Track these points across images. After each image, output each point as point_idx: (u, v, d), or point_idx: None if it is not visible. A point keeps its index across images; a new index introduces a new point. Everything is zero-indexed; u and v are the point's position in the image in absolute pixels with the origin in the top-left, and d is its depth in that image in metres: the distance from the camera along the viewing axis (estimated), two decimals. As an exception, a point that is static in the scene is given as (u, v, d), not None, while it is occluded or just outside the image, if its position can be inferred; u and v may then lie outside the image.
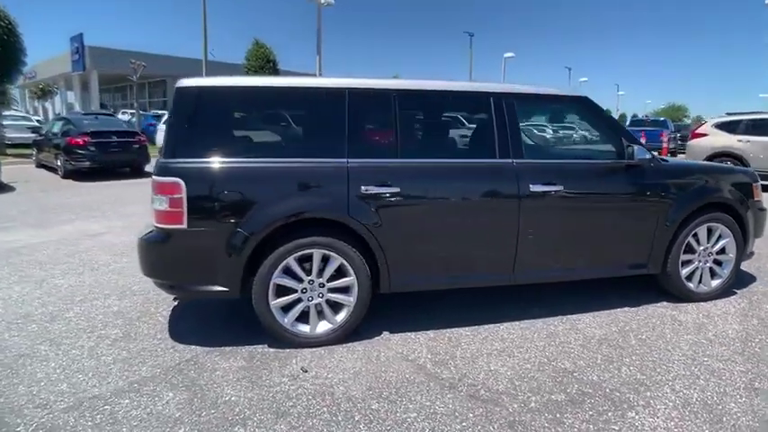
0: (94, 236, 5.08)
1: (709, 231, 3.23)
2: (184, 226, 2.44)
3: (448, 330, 2.86)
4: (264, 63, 19.67)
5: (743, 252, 3.34)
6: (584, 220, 2.96)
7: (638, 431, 1.93)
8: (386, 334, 2.81)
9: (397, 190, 2.60)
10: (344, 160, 2.59)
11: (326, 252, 2.57)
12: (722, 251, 3.30)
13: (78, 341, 2.70)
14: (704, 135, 10.42)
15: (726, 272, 3.33)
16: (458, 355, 2.57)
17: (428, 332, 2.83)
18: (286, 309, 2.61)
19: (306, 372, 2.39)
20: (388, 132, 2.72)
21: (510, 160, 2.78)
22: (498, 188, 2.77)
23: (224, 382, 2.29)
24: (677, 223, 3.07)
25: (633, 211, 3.05)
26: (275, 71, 20.10)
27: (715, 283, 3.32)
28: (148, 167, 10.77)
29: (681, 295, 3.28)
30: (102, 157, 9.06)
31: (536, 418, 2.02)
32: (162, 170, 2.46)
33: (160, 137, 13.56)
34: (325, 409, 2.08)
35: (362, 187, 2.57)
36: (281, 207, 2.50)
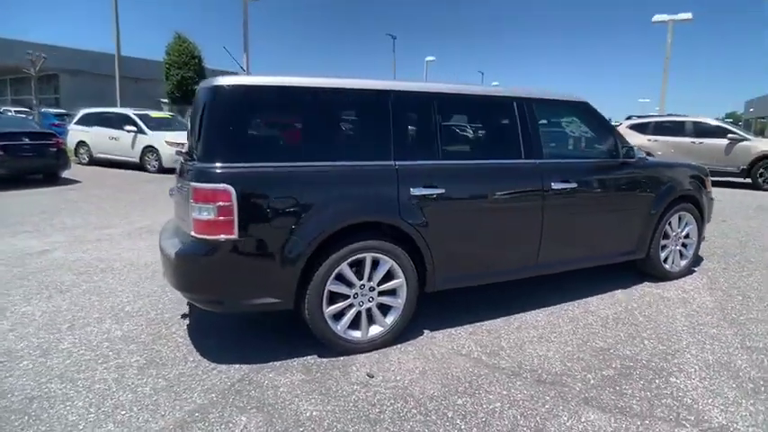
0: (40, 253, 4.40)
1: (679, 219, 3.79)
2: (235, 236, 2.27)
3: (482, 324, 3.01)
4: (189, 59, 18.29)
5: (701, 236, 3.97)
6: (590, 213, 3.30)
7: (685, 392, 2.25)
8: (427, 332, 2.88)
9: (442, 191, 2.68)
10: (392, 162, 2.60)
11: (377, 255, 2.57)
12: (687, 236, 3.88)
13: (95, 374, 2.37)
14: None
15: (690, 253, 3.93)
16: (504, 346, 2.73)
17: (465, 327, 2.96)
18: (337, 316, 2.56)
19: (372, 377, 2.37)
20: (429, 134, 2.79)
21: (534, 161, 3.01)
22: (526, 186, 2.98)
23: (294, 397, 2.19)
24: (660, 213, 3.55)
25: (628, 203, 3.47)
26: (200, 68, 18.82)
27: (683, 263, 3.91)
28: (67, 173, 9.53)
29: (659, 275, 3.80)
30: (12, 164, 7.75)
31: (601, 392, 2.25)
32: (205, 176, 2.27)
33: (72, 139, 11.98)
34: (414, 410, 2.09)
35: (411, 189, 2.60)
36: (338, 212, 2.44)
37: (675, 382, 2.34)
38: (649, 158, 3.77)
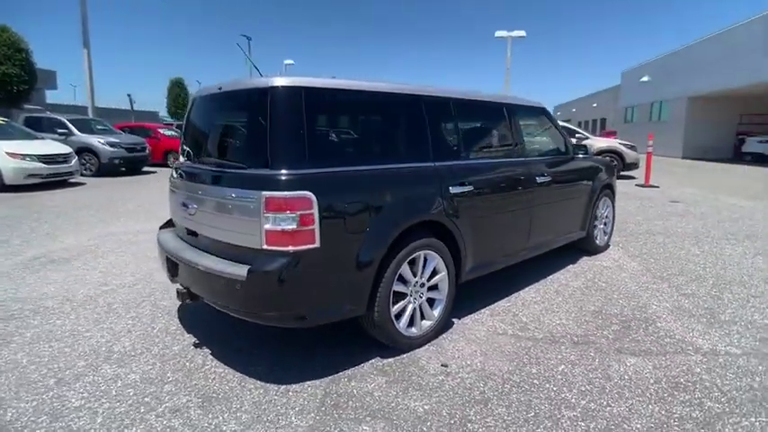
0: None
1: (603, 203, 4.76)
2: (317, 245, 2.19)
3: (494, 306, 3.38)
4: (12, 52, 14.76)
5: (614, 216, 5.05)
6: (560, 200, 3.96)
7: (672, 332, 2.95)
8: (456, 320, 3.12)
9: (471, 188, 2.96)
10: (432, 163, 2.78)
11: (429, 252, 2.72)
12: (607, 216, 4.90)
13: (151, 425, 2.01)
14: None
15: (609, 230, 4.97)
16: (525, 321, 3.14)
17: (483, 311, 3.29)
18: (398, 315, 2.63)
19: (446, 366, 2.53)
20: (453, 136, 3.04)
21: (526, 158, 3.51)
22: (523, 180, 3.46)
23: (395, 398, 2.22)
24: (595, 198, 4.44)
25: (580, 191, 4.25)
26: (28, 64, 15.35)
27: (605, 238, 4.91)
28: None
29: (592, 250, 4.71)
30: None
31: (623, 343, 2.81)
32: (282, 183, 2.13)
33: None
34: (507, 385, 2.33)
35: (450, 188, 2.82)
36: (403, 212, 2.52)
37: (661, 326, 3.05)
38: (583, 154, 4.65)
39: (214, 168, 2.44)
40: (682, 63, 23.84)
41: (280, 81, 2.25)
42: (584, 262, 4.52)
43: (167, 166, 14.69)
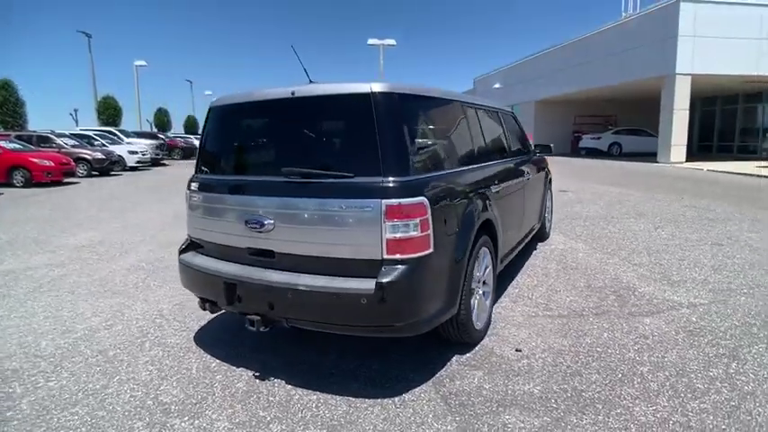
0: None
1: (549, 194, 5.54)
2: (431, 250, 2.21)
3: (510, 293, 3.74)
4: None
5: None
6: (533, 194, 4.51)
7: (654, 295, 3.66)
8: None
9: (500, 187, 3.26)
10: (487, 163, 3.02)
11: (486, 248, 2.93)
12: (548, 207, 5.71)
13: None
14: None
15: (551, 217, 5.79)
16: (544, 302, 3.55)
17: (504, 299, 3.62)
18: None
19: (520, 350, 2.76)
20: (490, 139, 3.30)
21: (517, 157, 3.96)
22: (521, 178, 3.89)
23: (506, 388, 2.37)
24: (545, 191, 5.15)
25: (541, 185, 4.89)
26: None
27: (549, 225, 5.72)
28: None
29: (544, 237, 5.46)
30: None
31: (628, 308, 3.39)
32: (402, 190, 2.11)
33: None
34: (582, 358, 2.66)
35: (493, 188, 3.07)
36: (479, 212, 2.68)
37: (642, 291, 3.76)
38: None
39: (300, 179, 2.25)
40: (529, 72, 28.08)
41: (379, 86, 2.21)
42: (542, 248, 5.21)
43: (12, 185, 11.95)
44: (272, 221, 2.30)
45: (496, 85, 31.65)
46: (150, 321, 3.32)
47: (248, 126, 2.62)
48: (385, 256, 2.12)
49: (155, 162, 19.39)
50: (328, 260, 2.23)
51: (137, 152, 17.28)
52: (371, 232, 2.11)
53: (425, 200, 2.18)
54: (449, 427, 2.06)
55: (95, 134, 17.84)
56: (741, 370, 2.50)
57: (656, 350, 2.74)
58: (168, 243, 5.73)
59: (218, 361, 2.70)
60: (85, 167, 14.54)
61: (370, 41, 29.10)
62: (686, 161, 16.51)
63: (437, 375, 2.50)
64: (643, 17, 17.46)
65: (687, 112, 16.31)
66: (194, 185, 2.67)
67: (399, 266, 2.12)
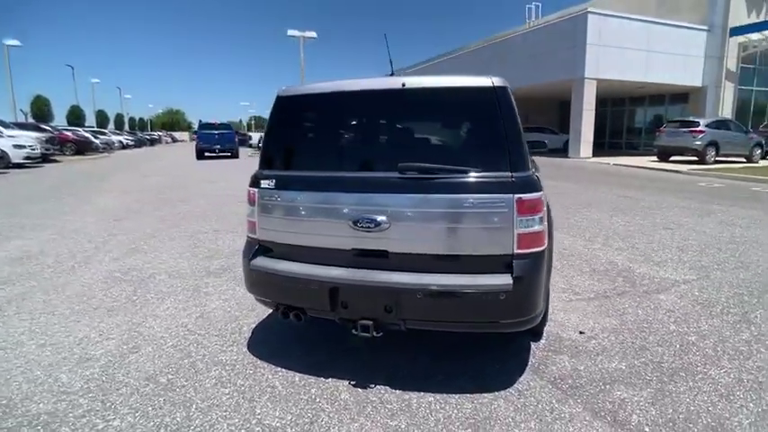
0: None
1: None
2: (546, 244, 2.30)
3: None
4: None
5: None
6: None
7: (653, 275, 4.17)
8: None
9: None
10: None
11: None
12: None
13: None
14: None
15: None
16: (567, 287, 3.86)
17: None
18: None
19: (583, 333, 2.99)
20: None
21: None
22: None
23: (601, 365, 2.56)
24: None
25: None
26: None
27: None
28: None
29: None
30: None
31: (640, 288, 3.83)
32: (529, 184, 2.16)
33: None
34: (638, 334, 2.96)
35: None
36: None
37: (639, 272, 4.26)
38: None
39: (420, 175, 2.18)
40: (449, 70, 29.39)
41: (498, 81, 2.22)
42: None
43: None
44: (386, 220, 2.20)
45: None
46: (182, 339, 2.95)
47: (342, 118, 2.45)
48: (516, 251, 2.16)
49: (44, 158, 16.74)
50: (451, 257, 2.20)
51: (24, 146, 14.76)
52: (504, 227, 2.13)
53: (543, 194, 2.26)
54: (577, 409, 2.18)
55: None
56: (761, 332, 2.99)
57: (689, 321, 3.15)
58: (132, 251, 5.07)
59: (298, 374, 2.51)
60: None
61: (290, 33, 28.23)
62: (592, 156, 18.73)
63: (531, 364, 2.61)
64: (558, 24, 19.34)
65: (593, 112, 18.49)
66: (268, 183, 2.43)
67: (528, 261, 2.18)
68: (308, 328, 2.99)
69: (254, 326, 3.14)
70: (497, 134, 2.18)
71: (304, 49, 29.05)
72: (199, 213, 7.36)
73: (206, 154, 21.76)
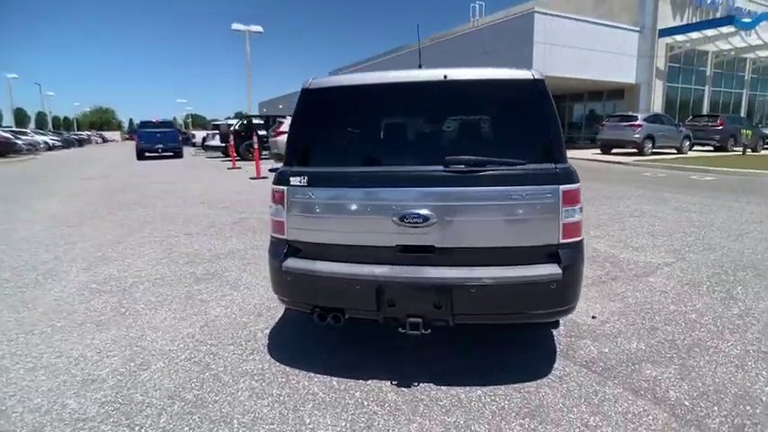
0: None
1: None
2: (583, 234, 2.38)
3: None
4: None
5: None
6: None
7: (636, 260, 4.44)
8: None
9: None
10: None
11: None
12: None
13: None
14: (285, 132, 13.98)
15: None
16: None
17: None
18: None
19: (595, 317, 3.12)
20: None
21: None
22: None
23: (622, 346, 2.68)
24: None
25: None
26: None
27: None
28: None
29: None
30: None
31: (628, 273, 4.07)
32: (571, 175, 2.25)
33: None
34: (645, 315, 3.14)
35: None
36: None
37: (623, 258, 4.51)
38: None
39: (467, 168, 2.16)
40: (396, 67, 29.52)
41: (537, 74, 2.25)
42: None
43: None
44: (433, 214, 2.16)
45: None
46: (194, 350, 2.75)
47: (379, 111, 2.37)
48: (561, 241, 2.21)
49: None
50: (496, 250, 2.21)
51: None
52: (551, 218, 2.18)
53: (580, 185, 2.33)
54: (618, 390, 2.28)
55: None
56: (747, 306, 3.28)
57: (684, 301, 3.39)
58: (100, 259, 4.66)
59: (334, 378, 2.42)
60: None
61: (235, 27, 27.19)
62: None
63: (559, 351, 2.69)
64: (507, 22, 20.03)
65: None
66: (299, 180, 2.31)
67: (571, 250, 2.24)
68: (325, 330, 2.90)
69: (267, 331, 2.99)
70: (540, 126, 2.22)
71: (250, 44, 28.11)
72: (162, 216, 6.90)
73: (147, 154, 20.44)
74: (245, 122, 18.83)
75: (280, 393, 2.29)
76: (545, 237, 2.21)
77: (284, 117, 16.22)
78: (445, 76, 2.22)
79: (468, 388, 2.31)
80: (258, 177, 11.56)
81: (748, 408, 2.12)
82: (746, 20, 20.16)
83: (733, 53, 22.93)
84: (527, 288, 2.16)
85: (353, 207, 2.26)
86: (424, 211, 2.16)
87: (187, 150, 24.99)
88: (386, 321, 2.28)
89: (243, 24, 27.48)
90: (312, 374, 2.46)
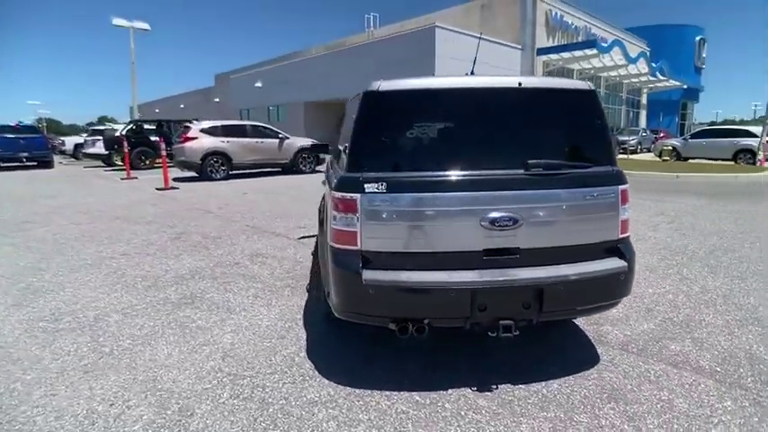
0: None
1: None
2: None
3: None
4: None
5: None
6: None
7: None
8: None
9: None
10: None
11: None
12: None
13: None
14: (195, 138, 12.82)
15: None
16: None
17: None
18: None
19: (599, 306, 3.46)
20: None
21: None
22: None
23: (636, 327, 3.02)
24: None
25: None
26: None
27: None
28: None
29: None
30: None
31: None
32: (623, 177, 2.46)
33: None
34: (648, 296, 3.57)
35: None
36: None
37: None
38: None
39: (546, 172, 2.26)
40: (296, 73, 28.99)
41: (591, 84, 2.45)
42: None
43: None
44: (519, 217, 2.22)
45: (258, 84, 31.38)
46: (233, 385, 2.41)
47: (454, 115, 2.32)
48: (619, 236, 2.42)
49: None
50: (571, 248, 2.35)
51: None
52: (613, 216, 2.38)
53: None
54: (662, 366, 2.57)
55: None
56: (702, 285, 3.93)
57: (653, 284, 3.93)
58: (29, 292, 3.83)
59: (414, 393, 2.33)
60: None
61: (116, 22, 24.05)
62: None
63: (592, 338, 2.93)
64: (409, 35, 20.93)
65: (443, 116, 20.63)
66: (377, 187, 2.18)
67: (627, 244, 2.47)
68: (369, 343, 2.79)
69: (303, 354, 2.75)
70: (600, 131, 2.43)
71: (135, 40, 25.16)
72: (76, 235, 5.84)
73: (3, 165, 16.99)
74: (134, 127, 16.73)
75: (369, 418, 2.14)
76: (607, 233, 2.41)
77: (191, 121, 14.85)
78: (520, 84, 2.31)
79: (543, 383, 2.41)
80: (167, 188, 10.43)
81: (762, 367, 2.57)
82: (604, 44, 23.96)
83: (592, 71, 27.01)
84: (602, 281, 2.34)
85: (440, 213, 2.21)
86: (513, 214, 2.21)
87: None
88: (473, 327, 2.28)
89: (126, 20, 24.46)
90: (386, 392, 2.34)
